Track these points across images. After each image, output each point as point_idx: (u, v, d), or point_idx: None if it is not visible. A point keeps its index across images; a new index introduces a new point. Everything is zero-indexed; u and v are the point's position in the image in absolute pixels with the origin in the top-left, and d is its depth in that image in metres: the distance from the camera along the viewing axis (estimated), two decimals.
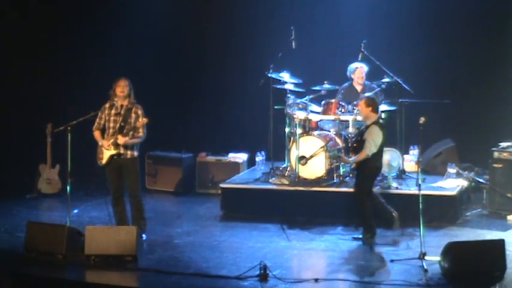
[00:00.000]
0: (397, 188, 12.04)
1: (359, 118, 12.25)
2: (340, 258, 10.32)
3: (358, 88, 12.94)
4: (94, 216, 12.45)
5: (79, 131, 10.97)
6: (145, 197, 11.44)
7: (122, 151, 10.83)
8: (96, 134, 10.98)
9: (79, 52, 15.13)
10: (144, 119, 10.77)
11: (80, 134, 11.02)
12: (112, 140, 10.79)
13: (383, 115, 12.56)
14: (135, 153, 10.95)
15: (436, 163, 13.18)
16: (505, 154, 12.08)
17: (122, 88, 10.85)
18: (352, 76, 12.99)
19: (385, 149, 12.20)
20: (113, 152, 10.82)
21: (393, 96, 12.70)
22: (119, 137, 10.74)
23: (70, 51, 15.14)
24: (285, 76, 12.89)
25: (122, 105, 10.88)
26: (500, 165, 12.08)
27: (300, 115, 12.55)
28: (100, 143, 10.91)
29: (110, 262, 9.95)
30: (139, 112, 10.87)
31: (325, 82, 12.80)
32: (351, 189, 11.31)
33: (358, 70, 12.90)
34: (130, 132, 10.77)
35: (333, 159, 12.00)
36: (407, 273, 9.47)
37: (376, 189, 12.07)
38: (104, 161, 10.90)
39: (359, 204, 11.02)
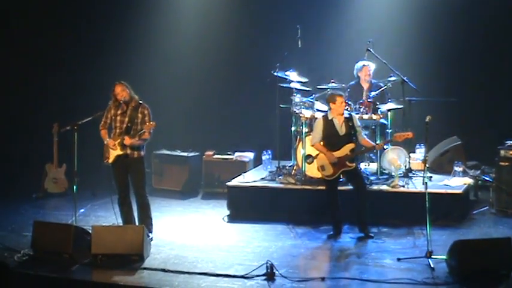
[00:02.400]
0: (403, 187, 12.03)
1: (365, 117, 12.25)
2: (346, 257, 10.32)
3: (365, 86, 12.92)
4: (100, 215, 12.47)
5: (85, 131, 10.99)
6: (151, 196, 11.44)
7: (128, 151, 10.83)
8: (103, 132, 11.00)
9: (86, 51, 15.13)
10: (151, 122, 10.74)
11: (87, 133, 11.04)
12: (118, 141, 10.79)
13: (389, 114, 12.60)
14: (142, 153, 10.95)
15: (443, 161, 13.15)
16: (511, 152, 12.05)
17: (120, 95, 10.83)
18: (359, 74, 12.97)
19: (391, 147, 12.26)
20: (120, 152, 10.82)
21: (399, 95, 12.68)
22: (125, 138, 10.74)
23: (76, 50, 15.14)
24: (291, 75, 12.88)
25: (127, 106, 10.87)
26: (506, 164, 12.05)
27: (306, 114, 12.54)
28: (106, 142, 10.92)
29: (117, 261, 9.96)
30: (146, 112, 10.85)
31: (332, 80, 12.78)
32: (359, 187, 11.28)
33: (365, 68, 12.88)
34: (137, 133, 10.76)
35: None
36: (414, 272, 9.46)
37: (382, 187, 12.11)
38: (110, 161, 10.91)
39: (367, 201, 11.05)
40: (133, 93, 10.91)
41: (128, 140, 10.73)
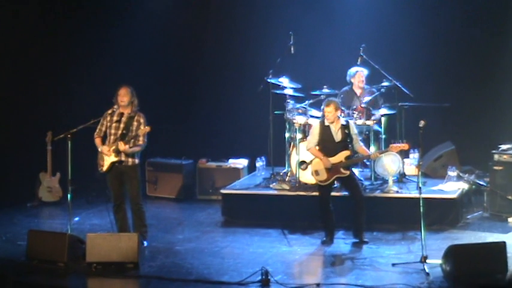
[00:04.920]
0: (397, 192, 12.04)
1: (359, 122, 12.26)
2: (341, 263, 10.33)
3: (358, 92, 12.94)
4: (95, 223, 12.45)
5: (79, 139, 10.98)
6: (146, 204, 11.43)
7: (123, 158, 10.83)
8: (97, 140, 10.98)
9: (80, 59, 15.11)
10: (146, 127, 10.76)
11: (81, 141, 11.03)
12: (113, 147, 10.79)
13: (383, 119, 12.63)
14: (136, 161, 10.95)
15: (437, 166, 13.18)
16: (505, 156, 12.08)
17: (121, 97, 10.85)
18: (352, 80, 12.99)
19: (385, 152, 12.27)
20: (114, 159, 10.82)
21: (393, 100, 12.71)
22: (120, 143, 10.74)
23: (71, 58, 15.11)
24: (284, 81, 12.90)
25: (123, 113, 10.89)
26: (500, 168, 12.09)
27: (299, 120, 12.56)
28: (100, 149, 10.91)
29: (112, 269, 9.95)
30: (142, 120, 10.86)
31: (325, 87, 12.81)
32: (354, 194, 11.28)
33: (358, 74, 12.90)
34: (132, 140, 10.77)
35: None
36: (409, 277, 9.48)
37: (377, 193, 12.12)
38: (104, 168, 10.90)
39: (364, 208, 11.06)
40: (134, 100, 10.91)
41: (122, 146, 10.73)
